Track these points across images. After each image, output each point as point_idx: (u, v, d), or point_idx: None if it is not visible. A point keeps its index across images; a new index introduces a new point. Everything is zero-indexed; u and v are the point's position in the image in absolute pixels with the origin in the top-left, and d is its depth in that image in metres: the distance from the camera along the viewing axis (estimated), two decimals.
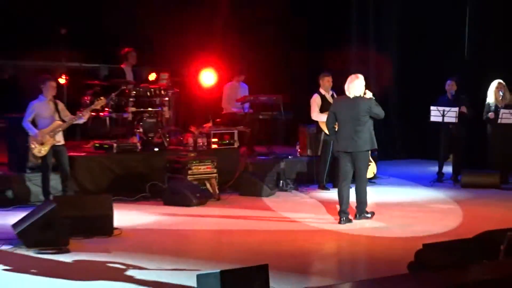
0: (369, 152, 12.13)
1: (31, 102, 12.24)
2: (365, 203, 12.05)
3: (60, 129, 12.28)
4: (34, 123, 12.14)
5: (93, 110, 13.17)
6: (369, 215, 12.05)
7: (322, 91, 14.81)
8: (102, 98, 13.35)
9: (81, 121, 12.74)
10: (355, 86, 11.76)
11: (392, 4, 18.87)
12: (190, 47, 17.27)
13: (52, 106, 12.26)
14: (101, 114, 13.97)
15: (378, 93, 14.45)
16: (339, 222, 11.76)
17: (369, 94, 11.90)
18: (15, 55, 16.18)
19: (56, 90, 12.62)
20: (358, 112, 11.69)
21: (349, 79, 11.87)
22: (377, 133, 12.98)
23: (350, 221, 11.79)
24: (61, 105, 12.44)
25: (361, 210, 12.02)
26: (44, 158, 12.18)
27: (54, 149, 12.23)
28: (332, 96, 14.83)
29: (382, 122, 14.68)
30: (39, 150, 12.11)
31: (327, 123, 12.28)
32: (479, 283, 7.68)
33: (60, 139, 12.33)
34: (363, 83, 11.84)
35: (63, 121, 12.28)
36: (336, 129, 12.09)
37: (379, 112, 11.83)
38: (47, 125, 12.13)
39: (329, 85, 14.87)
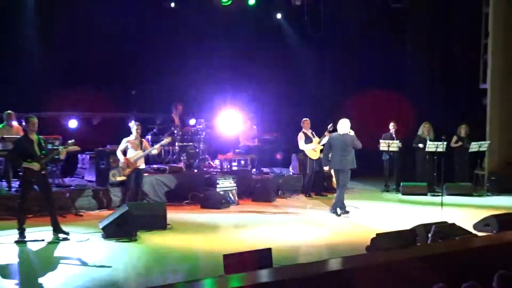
0: (350, 171, 12.37)
1: (124, 138, 12.16)
2: (339, 203, 12.31)
3: (141, 157, 12.22)
4: (124, 152, 12.07)
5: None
6: (339, 213, 12.22)
7: (304, 130, 14.85)
8: (169, 137, 13.41)
9: (155, 153, 12.72)
10: (343, 126, 12.31)
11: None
12: (218, 102, 17.28)
13: (138, 141, 12.19)
14: (159, 148, 13.89)
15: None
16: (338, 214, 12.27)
17: (351, 132, 12.35)
18: (102, 109, 16.21)
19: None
20: (345, 143, 12.19)
21: (339, 121, 12.43)
22: None
23: (346, 212, 12.32)
24: (144, 141, 12.40)
25: (335, 208, 12.30)
26: (128, 176, 12.10)
27: (136, 171, 12.12)
28: (311, 133, 14.85)
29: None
30: (126, 171, 12.03)
31: (325, 149, 12.90)
32: (415, 259, 7.62)
33: (141, 164, 12.25)
34: (349, 124, 12.31)
35: (143, 151, 12.23)
36: (330, 155, 12.57)
37: (358, 144, 12.33)
38: (132, 154, 12.06)
39: (308, 125, 14.92)
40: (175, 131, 14.67)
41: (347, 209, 12.37)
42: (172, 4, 17.13)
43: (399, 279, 6.53)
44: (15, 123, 12.91)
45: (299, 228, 11.18)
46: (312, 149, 14.77)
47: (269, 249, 7.65)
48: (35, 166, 9.80)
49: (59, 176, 12.90)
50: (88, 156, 14.12)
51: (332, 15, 18.52)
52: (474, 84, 16.23)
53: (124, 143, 12.08)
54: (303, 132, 14.88)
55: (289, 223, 11.67)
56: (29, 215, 10.35)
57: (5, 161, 12.31)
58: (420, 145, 15.05)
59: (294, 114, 17.20)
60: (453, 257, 7.90)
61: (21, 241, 9.63)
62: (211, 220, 11.90)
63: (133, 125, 12.27)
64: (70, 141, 10.41)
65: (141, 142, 12.24)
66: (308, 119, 15.05)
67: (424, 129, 15.25)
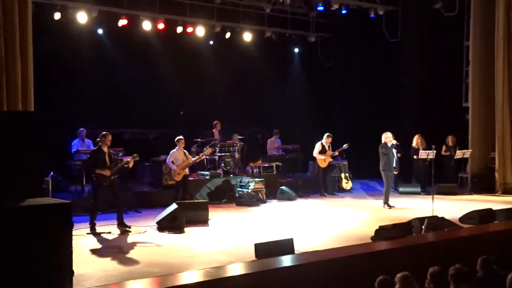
0: (383, 171, 12.54)
1: (171, 151, 12.12)
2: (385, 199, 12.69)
3: (188, 165, 12.20)
4: (173, 162, 12.08)
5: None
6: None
7: (323, 142, 14.67)
8: (210, 149, 13.62)
9: (198, 160, 12.77)
10: (382, 137, 12.47)
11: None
12: (248, 119, 17.31)
13: (182, 153, 12.17)
14: (202, 157, 13.92)
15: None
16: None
17: (393, 141, 12.56)
18: (157, 126, 16.36)
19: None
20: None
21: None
22: (354, 163, 13.10)
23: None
24: (187, 153, 12.40)
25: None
26: (178, 181, 12.07)
27: (184, 177, 12.08)
28: (329, 146, 14.70)
29: (358, 156, 14.76)
30: (177, 177, 11.99)
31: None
32: (411, 247, 7.55)
33: (187, 171, 12.20)
34: (385, 135, 12.51)
35: (189, 161, 12.22)
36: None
37: (380, 152, 12.46)
38: (180, 163, 12.02)
39: (328, 141, 14.67)
40: (215, 144, 14.69)
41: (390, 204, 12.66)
42: (211, 42, 17.18)
43: (398, 264, 6.45)
44: (86, 138, 13.07)
45: (316, 221, 11.11)
46: (323, 159, 14.65)
47: (292, 239, 7.62)
48: (107, 172, 9.94)
49: (123, 180, 12.97)
50: (146, 164, 14.20)
51: (340, 48, 18.50)
52: (458, 103, 16.15)
53: (171, 155, 12.11)
54: (322, 143, 14.71)
55: (308, 217, 11.60)
56: (99, 212, 10.42)
57: (80, 168, 12.45)
58: (415, 157, 14.85)
59: (312, 128, 17.18)
60: (443, 245, 7.81)
61: (92, 233, 9.73)
62: (244, 216, 11.88)
63: (177, 140, 12.31)
64: (135, 154, 10.61)
65: (184, 153, 12.25)
66: (329, 135, 14.77)
67: (417, 141, 15.13)
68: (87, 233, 9.69)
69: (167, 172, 13.02)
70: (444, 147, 15.25)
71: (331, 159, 14.82)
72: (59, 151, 13.30)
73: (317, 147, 14.70)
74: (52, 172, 11.70)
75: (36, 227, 5.76)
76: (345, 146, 14.65)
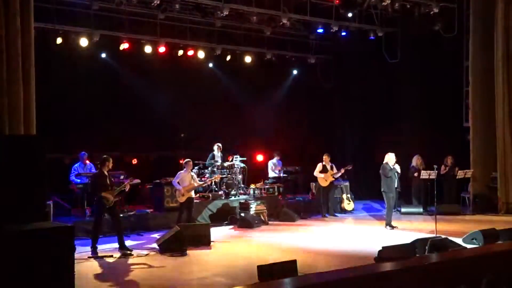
0: (384, 193, 12.47)
1: (179, 172, 12.06)
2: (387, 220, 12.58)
3: (193, 189, 12.13)
4: (179, 183, 12.01)
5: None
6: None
7: (324, 162, 14.76)
8: (218, 175, 13.66)
9: (204, 185, 12.69)
10: (385, 158, 12.44)
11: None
12: (250, 140, 17.31)
13: (189, 175, 12.08)
14: (209, 182, 13.84)
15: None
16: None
17: (396, 166, 12.70)
18: (157, 148, 16.33)
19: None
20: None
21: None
22: (356, 184, 12.99)
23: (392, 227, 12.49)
24: (194, 175, 12.30)
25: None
26: (182, 203, 11.98)
27: (188, 199, 11.96)
28: (331, 166, 14.74)
29: (359, 177, 14.64)
30: (181, 198, 11.91)
31: None
32: (414, 267, 7.47)
33: (192, 194, 12.09)
34: (388, 156, 12.47)
35: (195, 184, 12.16)
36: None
37: (381, 173, 12.42)
38: (186, 185, 11.93)
39: (326, 159, 14.77)
40: (216, 165, 14.66)
41: (393, 224, 12.57)
42: (210, 64, 17.27)
43: (402, 285, 6.40)
44: (87, 162, 13.08)
45: (319, 242, 11.06)
46: (322, 177, 14.68)
47: (294, 261, 7.57)
48: (110, 195, 9.95)
49: (124, 203, 12.93)
50: (147, 187, 14.16)
51: (340, 70, 18.61)
52: (458, 123, 16.17)
53: (179, 176, 12.05)
54: (322, 164, 14.79)
55: (311, 238, 11.55)
56: (100, 235, 10.37)
57: (81, 191, 12.43)
58: (415, 174, 14.88)
59: (313, 150, 17.18)
60: (447, 266, 7.74)
61: (94, 257, 9.67)
62: (246, 238, 11.83)
63: (186, 162, 12.25)
64: (131, 177, 10.68)
65: (192, 176, 12.18)
66: (327, 154, 14.94)
67: (417, 161, 15.15)
68: (89, 257, 9.62)
69: (168, 195, 13.00)
70: (443, 167, 15.24)
71: (333, 179, 14.83)
72: (60, 175, 13.27)
73: (318, 166, 14.76)
74: (54, 196, 11.69)
75: (38, 251, 5.75)
76: (348, 167, 14.71)
